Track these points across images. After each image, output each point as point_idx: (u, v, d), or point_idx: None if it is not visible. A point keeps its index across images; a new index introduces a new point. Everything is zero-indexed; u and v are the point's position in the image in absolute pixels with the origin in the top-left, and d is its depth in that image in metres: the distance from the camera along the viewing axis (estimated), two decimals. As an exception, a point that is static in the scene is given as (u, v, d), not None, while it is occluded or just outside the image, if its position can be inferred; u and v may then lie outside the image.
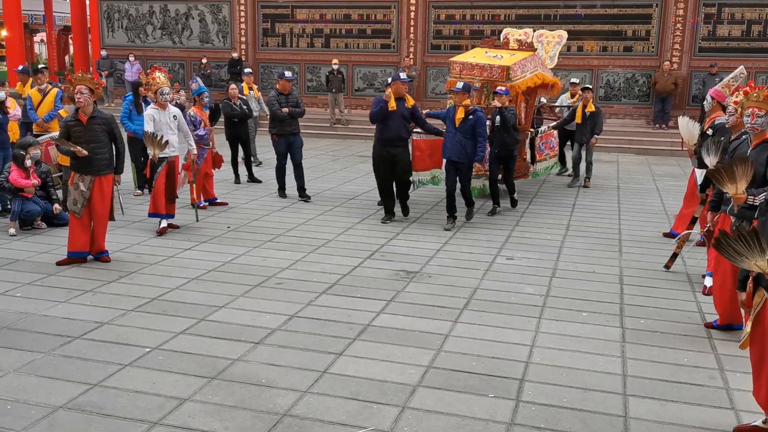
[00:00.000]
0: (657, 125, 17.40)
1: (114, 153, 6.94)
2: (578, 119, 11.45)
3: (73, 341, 5.01)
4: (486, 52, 10.38)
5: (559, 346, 5.15)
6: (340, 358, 4.84)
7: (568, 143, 12.57)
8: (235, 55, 20.14)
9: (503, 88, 9.35)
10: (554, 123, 12.12)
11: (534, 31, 11.72)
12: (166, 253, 7.34)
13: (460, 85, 8.51)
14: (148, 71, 8.80)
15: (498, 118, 9.30)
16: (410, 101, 8.69)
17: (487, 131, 8.84)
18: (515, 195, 9.96)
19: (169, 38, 21.63)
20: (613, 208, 10.27)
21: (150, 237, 7.94)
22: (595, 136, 11.38)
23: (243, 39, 20.79)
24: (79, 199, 6.74)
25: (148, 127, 7.93)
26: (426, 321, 5.57)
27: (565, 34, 11.61)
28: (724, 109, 7.02)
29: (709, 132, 7.07)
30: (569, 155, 12.56)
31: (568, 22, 18.17)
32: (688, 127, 7.76)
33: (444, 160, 8.86)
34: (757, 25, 17.14)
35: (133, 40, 21.87)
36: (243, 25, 20.75)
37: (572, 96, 12.89)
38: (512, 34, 11.56)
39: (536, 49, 10.70)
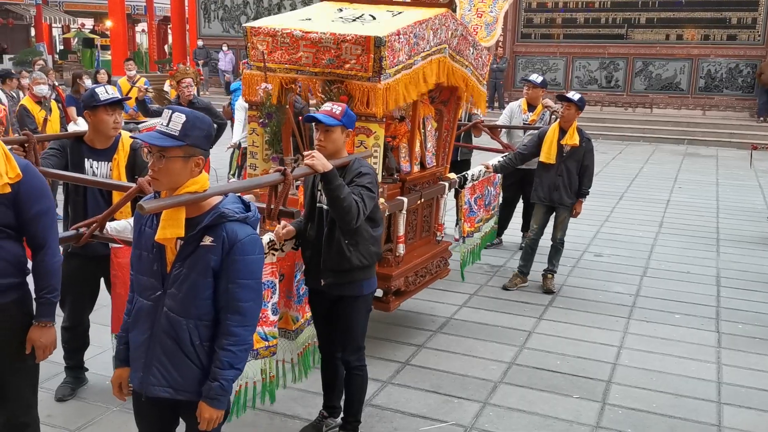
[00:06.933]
0: (762, 118, 16.45)
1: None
2: (546, 156, 5.84)
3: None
4: (336, 11, 4.53)
5: (649, 348, 4.97)
6: (421, 350, 4.85)
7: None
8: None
9: (338, 108, 3.35)
10: (498, 159, 6.16)
11: None
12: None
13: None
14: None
15: (325, 202, 3.41)
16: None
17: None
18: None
19: (262, 28, 22.13)
20: (711, 205, 9.79)
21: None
22: (583, 197, 6.01)
23: (332, 28, 21.02)
24: None
25: (239, 116, 8.26)
26: (509, 316, 5.49)
27: None
28: None
29: None
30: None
31: (668, 9, 17.44)
32: None
33: None
34: None
35: (228, 30, 22.53)
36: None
37: (530, 107, 6.92)
38: None
39: (452, 4, 4.81)
